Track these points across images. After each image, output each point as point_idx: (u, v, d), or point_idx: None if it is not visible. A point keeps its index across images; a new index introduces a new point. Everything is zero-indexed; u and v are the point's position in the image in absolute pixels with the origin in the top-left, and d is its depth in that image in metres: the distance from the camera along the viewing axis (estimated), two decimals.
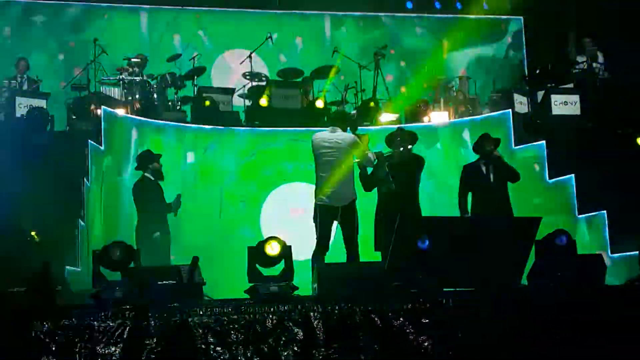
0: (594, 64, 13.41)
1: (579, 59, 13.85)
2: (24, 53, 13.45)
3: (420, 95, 13.94)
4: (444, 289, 6.73)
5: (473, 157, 9.51)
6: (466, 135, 12.29)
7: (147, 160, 9.78)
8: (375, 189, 8.98)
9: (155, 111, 12.11)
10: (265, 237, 6.85)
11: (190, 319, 5.90)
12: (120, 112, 11.56)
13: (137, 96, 12.12)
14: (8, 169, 9.38)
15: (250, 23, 15.26)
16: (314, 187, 8.49)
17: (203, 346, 5.87)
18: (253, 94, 12.86)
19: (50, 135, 11.09)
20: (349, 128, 8.62)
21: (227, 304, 6.09)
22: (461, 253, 6.85)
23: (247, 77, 13.10)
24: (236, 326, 5.96)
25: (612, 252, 10.42)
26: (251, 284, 6.60)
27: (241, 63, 13.43)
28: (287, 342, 5.98)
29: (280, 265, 6.68)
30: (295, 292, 6.57)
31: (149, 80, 12.54)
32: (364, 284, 6.60)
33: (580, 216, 11.10)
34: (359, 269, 7.13)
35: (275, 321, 6.01)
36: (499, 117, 12.26)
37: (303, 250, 8.16)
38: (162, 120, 11.91)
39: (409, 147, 9.09)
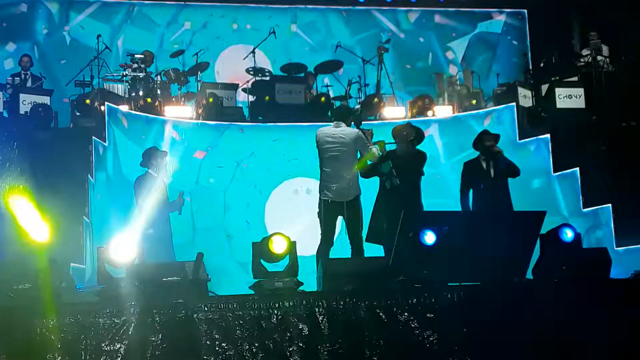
0: (599, 57, 13.36)
1: (584, 52, 13.81)
2: None
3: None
4: (449, 284, 6.72)
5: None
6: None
7: (152, 156, 9.75)
8: (378, 182, 8.93)
9: (158, 107, 12.10)
10: (269, 233, 6.85)
11: (195, 315, 5.91)
12: (124, 108, 11.56)
13: (140, 92, 12.11)
14: (12, 165, 9.38)
15: (254, 17, 15.26)
16: (318, 182, 8.48)
17: (208, 342, 5.88)
18: (257, 89, 12.85)
19: (54, 131, 11.08)
20: (352, 123, 8.60)
21: (232, 300, 6.09)
22: (466, 248, 6.84)
23: (251, 72, 13.09)
24: (241, 322, 5.98)
25: (617, 246, 10.40)
26: (256, 280, 6.60)
27: (244, 58, 13.43)
28: (292, 338, 6.00)
29: (285, 261, 6.69)
30: (300, 288, 6.58)
31: (152, 76, 12.53)
32: (368, 279, 6.61)
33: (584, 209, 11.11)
34: (363, 264, 7.12)
35: (280, 317, 6.02)
36: (503, 111, 12.25)
37: (308, 245, 8.16)
38: (165, 116, 11.90)
39: (415, 143, 9.05)
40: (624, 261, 9.52)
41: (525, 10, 16.43)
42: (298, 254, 6.71)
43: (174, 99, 12.54)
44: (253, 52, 13.19)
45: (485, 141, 9.18)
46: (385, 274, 6.74)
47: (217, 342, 5.90)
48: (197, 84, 12.87)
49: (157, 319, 5.86)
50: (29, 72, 12.69)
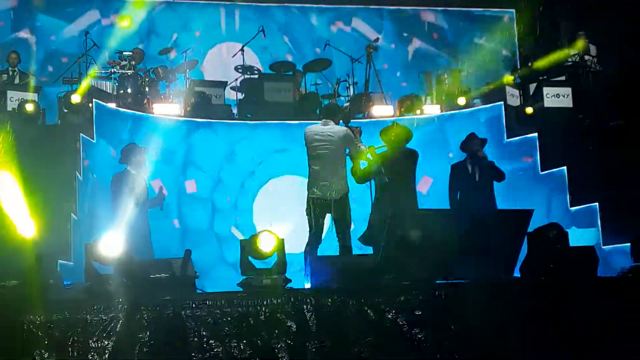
0: (586, 57, 13.42)
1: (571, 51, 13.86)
2: None
3: None
4: (437, 281, 6.74)
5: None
6: None
7: (131, 153, 9.71)
8: (373, 184, 8.95)
9: (147, 105, 12.08)
10: (258, 231, 6.84)
11: (183, 312, 5.90)
12: (112, 105, 11.52)
13: (129, 90, 12.07)
14: None
15: (243, 16, 15.25)
16: (306, 180, 8.49)
17: (196, 339, 5.87)
18: (245, 87, 12.85)
19: (42, 128, 11.04)
20: (341, 121, 8.61)
21: (220, 297, 6.08)
22: (454, 246, 6.86)
23: (240, 70, 13.08)
24: (229, 319, 5.97)
25: (604, 244, 10.46)
26: (244, 277, 6.60)
27: (233, 56, 13.41)
28: (280, 335, 5.99)
29: (273, 258, 6.69)
30: (288, 285, 6.58)
31: (140, 73, 12.50)
32: (356, 277, 6.61)
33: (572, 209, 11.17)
34: (351, 261, 7.13)
35: (268, 314, 6.02)
36: (491, 110, 12.29)
37: (296, 243, 8.16)
38: (153, 113, 11.87)
39: (404, 142, 9.09)
40: (611, 260, 9.60)
41: (514, 10, 16.48)
42: (286, 251, 6.72)
43: (162, 97, 12.52)
44: (242, 50, 13.19)
45: (472, 145, 9.40)
46: (373, 272, 6.75)
47: (204, 339, 5.89)
48: (186, 82, 12.85)
49: (145, 315, 5.85)
50: (16, 69, 12.64)
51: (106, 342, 5.73)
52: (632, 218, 10.03)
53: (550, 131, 11.80)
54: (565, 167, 11.30)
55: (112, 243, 6.42)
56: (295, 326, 6.03)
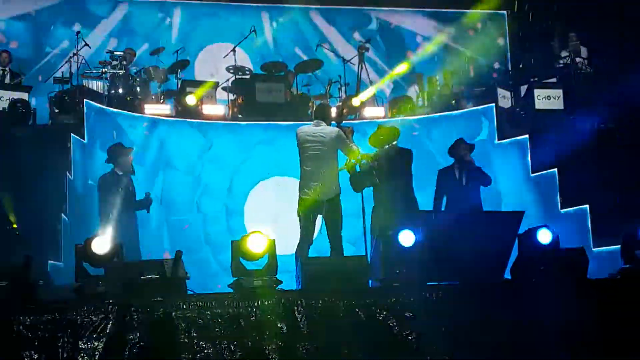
0: (577, 59, 13.46)
1: (563, 53, 13.90)
2: None
3: None
4: (428, 283, 6.74)
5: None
6: None
7: (118, 153, 9.70)
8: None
9: (138, 105, 12.05)
10: (249, 232, 6.84)
11: (173, 313, 5.89)
12: (103, 105, 11.49)
13: (120, 90, 12.05)
14: None
15: (235, 16, 15.24)
16: (297, 180, 8.48)
17: (186, 340, 5.86)
18: (237, 87, 12.84)
19: (33, 128, 11.00)
20: (333, 122, 8.61)
21: (210, 298, 6.07)
22: (444, 247, 6.87)
23: (231, 70, 13.06)
24: (220, 320, 5.96)
25: (594, 246, 10.48)
26: (235, 278, 6.59)
27: (225, 57, 13.40)
28: (271, 336, 5.99)
29: (264, 260, 6.67)
30: (279, 286, 6.57)
31: (132, 73, 12.48)
32: (347, 278, 6.61)
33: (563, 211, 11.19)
34: (342, 263, 7.13)
35: (258, 315, 6.01)
36: (482, 111, 12.31)
37: (287, 244, 8.15)
38: (145, 114, 11.85)
39: (394, 142, 9.12)
40: (602, 261, 9.61)
41: (505, 12, 16.51)
42: (277, 252, 6.71)
43: (153, 97, 12.50)
44: (233, 50, 13.17)
45: (460, 150, 9.53)
46: (364, 273, 6.76)
47: (195, 340, 5.88)
48: (177, 82, 12.83)
49: (135, 316, 5.83)
50: (7, 68, 12.59)
51: (96, 343, 5.72)
52: (623, 220, 10.05)
53: (541, 133, 11.82)
54: (556, 169, 11.32)
55: (102, 244, 6.40)
56: (286, 327, 6.02)
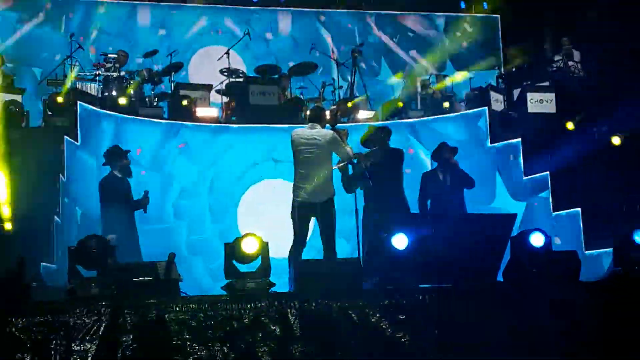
0: (570, 63, 13.50)
1: (555, 57, 13.94)
2: None
3: None
4: (420, 285, 6.75)
5: None
6: None
7: (115, 156, 9.70)
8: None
9: (131, 107, 12.04)
10: (242, 234, 6.84)
11: (166, 315, 5.88)
12: (97, 108, 11.48)
13: (113, 92, 12.04)
14: None
15: (228, 19, 15.27)
16: (291, 183, 8.48)
17: (179, 342, 5.86)
18: (230, 90, 12.84)
19: (26, 130, 10.98)
20: (327, 124, 8.63)
21: (203, 301, 6.07)
22: (437, 250, 6.89)
23: (225, 73, 13.06)
24: (213, 323, 5.95)
25: (586, 249, 10.51)
26: (228, 281, 6.60)
27: (219, 59, 13.39)
28: (264, 339, 5.99)
29: (257, 262, 6.68)
30: (272, 289, 6.57)
31: (126, 76, 12.47)
32: (340, 281, 6.62)
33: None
34: (336, 265, 7.14)
35: (252, 318, 6.01)
36: (475, 115, 12.34)
37: (280, 246, 8.16)
38: (138, 116, 11.84)
39: (386, 142, 9.18)
40: (594, 264, 9.66)
41: (498, 16, 16.56)
42: (271, 255, 6.71)
43: (147, 99, 12.49)
44: (227, 53, 13.17)
45: (444, 153, 9.61)
46: (357, 276, 6.76)
47: (188, 343, 5.88)
48: (171, 85, 12.83)
49: (128, 319, 5.83)
50: (0, 70, 12.54)
51: (89, 345, 5.71)
52: (615, 223, 10.10)
53: (533, 136, 11.85)
54: (548, 173, 11.36)
55: (97, 246, 6.40)
56: (279, 330, 6.02)
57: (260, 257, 6.66)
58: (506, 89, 13.36)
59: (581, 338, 6.36)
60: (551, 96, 12.52)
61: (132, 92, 12.21)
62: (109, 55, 12.59)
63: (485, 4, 16.41)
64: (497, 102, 12.91)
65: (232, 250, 6.66)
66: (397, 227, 6.97)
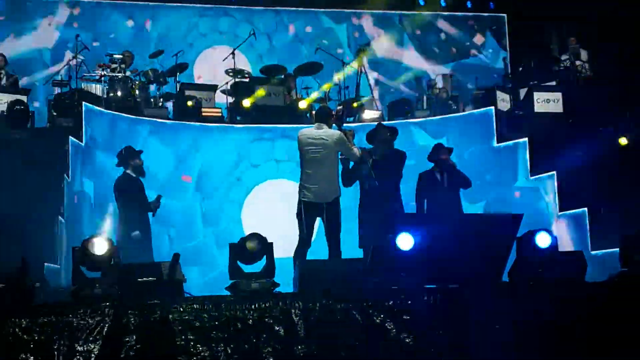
0: (577, 62, 13.47)
1: (562, 57, 13.92)
2: None
3: None
4: (425, 286, 6.72)
5: None
6: None
7: (129, 156, 9.73)
8: (358, 185, 9.00)
9: (137, 108, 12.05)
10: (247, 234, 6.83)
11: (170, 316, 5.86)
12: (102, 108, 11.49)
13: (118, 93, 12.05)
14: None
15: (235, 18, 15.27)
16: (296, 183, 8.47)
17: (183, 343, 5.83)
18: (236, 90, 12.83)
19: (31, 131, 10.99)
20: (334, 124, 8.61)
21: (207, 301, 6.05)
22: (443, 250, 6.85)
23: (230, 73, 13.06)
24: (217, 323, 5.93)
25: (592, 249, 10.47)
26: (232, 281, 6.58)
27: (224, 60, 13.40)
28: (268, 339, 5.96)
29: (262, 262, 6.66)
30: (277, 289, 6.55)
31: (131, 76, 12.48)
32: (345, 281, 6.59)
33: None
34: (340, 265, 7.12)
35: (256, 318, 5.98)
36: (481, 115, 12.31)
37: (285, 246, 8.14)
38: (144, 116, 11.85)
39: (391, 142, 9.17)
40: (600, 265, 9.61)
41: (505, 15, 16.53)
42: (275, 255, 6.69)
43: (152, 100, 12.50)
44: (233, 53, 13.17)
45: (440, 154, 9.63)
46: (361, 276, 6.74)
47: (192, 343, 5.85)
48: (176, 85, 12.83)
49: (132, 319, 5.81)
50: (2, 71, 12.56)
51: (92, 346, 5.69)
52: (621, 223, 10.06)
53: (540, 136, 11.82)
54: (554, 172, 11.32)
55: (100, 247, 6.38)
56: (283, 330, 6.00)
57: (264, 257, 6.65)
58: (512, 88, 13.33)
59: (587, 339, 6.32)
60: (558, 95, 12.49)
61: (137, 92, 12.23)
62: (114, 56, 12.60)
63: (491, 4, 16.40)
64: (504, 101, 12.88)
65: (237, 251, 6.64)
66: (403, 227, 6.94)
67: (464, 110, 13.09)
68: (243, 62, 14.19)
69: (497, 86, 13.48)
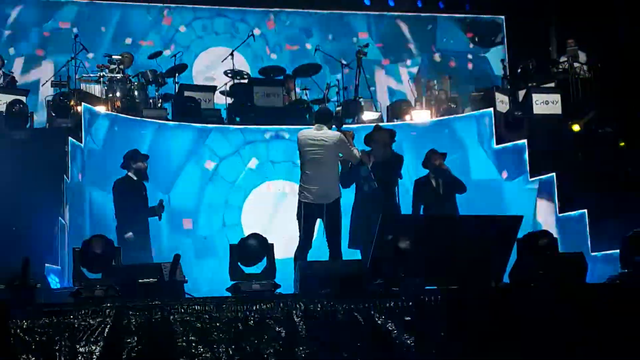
0: (575, 64, 13.48)
1: (561, 58, 13.93)
2: None
3: None
4: (427, 287, 6.72)
5: None
6: None
7: (132, 159, 9.74)
8: (354, 186, 8.99)
9: (136, 108, 12.05)
10: (246, 235, 6.82)
11: (171, 317, 5.86)
12: (101, 109, 11.49)
13: (117, 93, 12.04)
14: None
15: (233, 20, 15.28)
16: (296, 184, 8.46)
17: (184, 344, 5.83)
18: (235, 91, 12.83)
19: (30, 131, 10.98)
20: (334, 125, 8.62)
21: (208, 302, 6.04)
22: (443, 251, 6.85)
23: (229, 74, 13.05)
24: (218, 324, 5.92)
25: (592, 251, 10.48)
26: (233, 282, 6.57)
27: (223, 61, 13.39)
28: (269, 340, 5.95)
29: (262, 263, 6.66)
30: (277, 290, 6.55)
31: (130, 77, 12.47)
32: (346, 282, 6.58)
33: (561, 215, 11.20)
34: (341, 267, 7.10)
35: (257, 319, 5.98)
36: (480, 116, 12.32)
37: (285, 248, 8.14)
38: (142, 117, 11.84)
39: (389, 144, 9.18)
40: (600, 266, 9.62)
41: (503, 17, 16.55)
42: (276, 256, 6.69)
43: (151, 101, 12.49)
44: (232, 54, 13.17)
45: (434, 160, 9.66)
46: (363, 277, 6.73)
47: (193, 344, 5.85)
48: (175, 86, 12.82)
49: (133, 320, 5.80)
50: (0, 71, 12.54)
51: (94, 347, 5.68)
52: (621, 225, 10.05)
53: (539, 138, 11.83)
54: (554, 174, 11.33)
55: (101, 248, 6.38)
56: (284, 332, 5.99)
57: (265, 258, 6.65)
58: (511, 90, 13.34)
59: (588, 340, 6.32)
60: (557, 97, 12.51)
61: (136, 93, 12.23)
62: (113, 57, 12.59)
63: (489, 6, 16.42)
64: (502, 103, 12.89)
65: (237, 252, 6.64)
66: (403, 228, 6.94)
67: (462, 112, 13.09)
68: (242, 64, 14.19)
69: (495, 87, 13.49)
